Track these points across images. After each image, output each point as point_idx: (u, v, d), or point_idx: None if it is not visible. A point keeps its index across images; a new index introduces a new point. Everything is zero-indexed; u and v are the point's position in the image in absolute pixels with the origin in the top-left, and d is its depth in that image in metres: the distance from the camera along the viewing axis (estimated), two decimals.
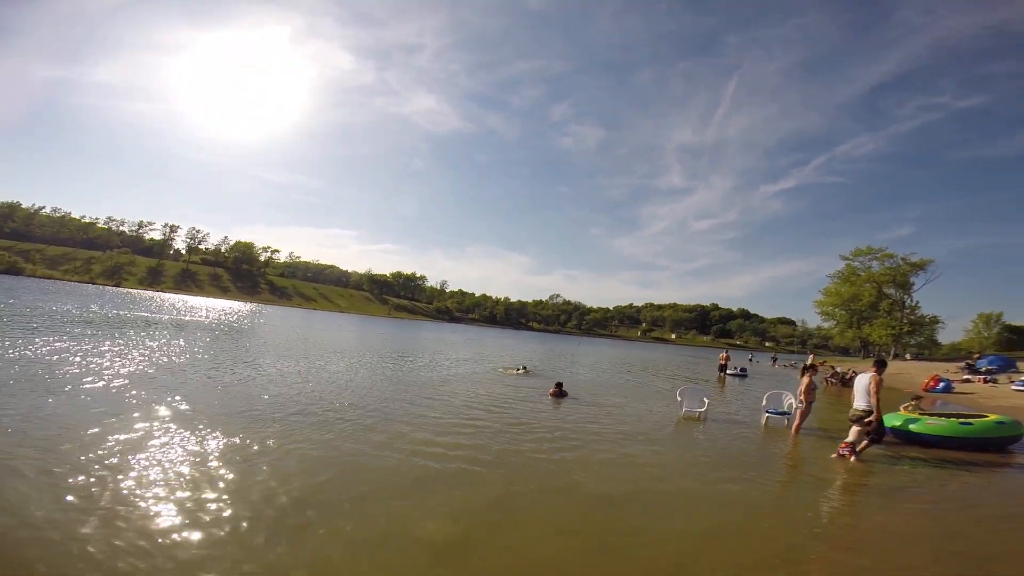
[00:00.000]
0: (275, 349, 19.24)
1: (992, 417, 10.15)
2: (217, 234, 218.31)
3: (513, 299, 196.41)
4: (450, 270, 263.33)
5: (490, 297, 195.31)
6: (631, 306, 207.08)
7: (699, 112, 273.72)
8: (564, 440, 8.04)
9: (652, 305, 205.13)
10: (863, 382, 8.31)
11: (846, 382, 25.32)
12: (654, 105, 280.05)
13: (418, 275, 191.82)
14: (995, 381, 23.21)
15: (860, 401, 8.21)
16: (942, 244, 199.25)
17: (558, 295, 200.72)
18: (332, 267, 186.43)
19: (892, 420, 9.63)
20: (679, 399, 11.68)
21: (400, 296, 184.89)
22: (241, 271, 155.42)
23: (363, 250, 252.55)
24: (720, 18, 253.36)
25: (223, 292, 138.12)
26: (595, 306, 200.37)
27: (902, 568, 4.22)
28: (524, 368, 19.36)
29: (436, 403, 10.48)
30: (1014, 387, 19.71)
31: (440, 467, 6.01)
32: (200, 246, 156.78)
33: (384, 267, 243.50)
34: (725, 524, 4.96)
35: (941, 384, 22.29)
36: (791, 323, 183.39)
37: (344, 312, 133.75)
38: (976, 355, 32.77)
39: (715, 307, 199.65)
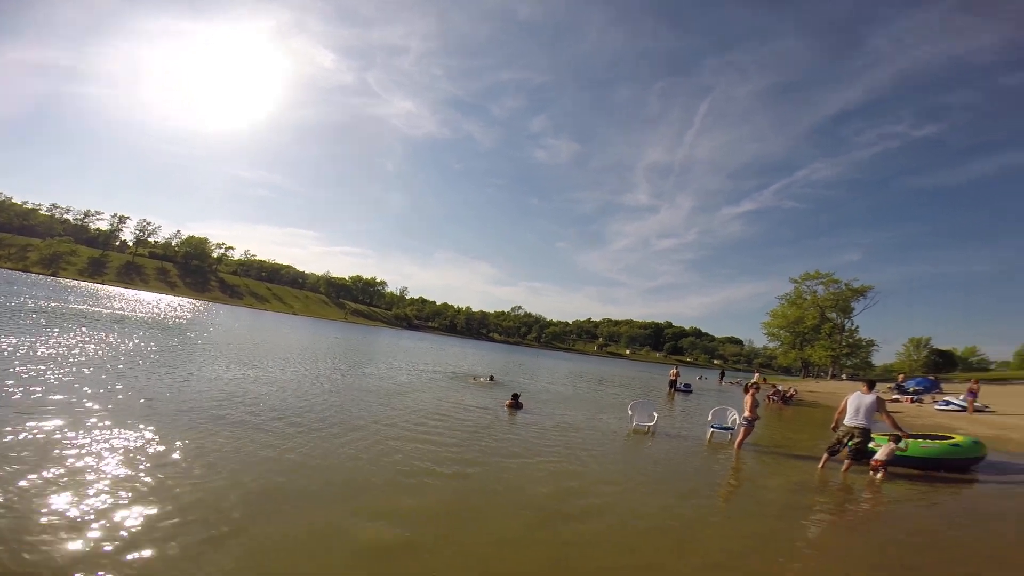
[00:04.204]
0: (219, 350, 18.44)
1: (958, 438, 10.17)
2: (171, 227, 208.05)
3: (475, 309, 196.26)
4: (414, 275, 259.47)
5: (451, 306, 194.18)
6: (589, 321, 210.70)
7: (671, 131, 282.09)
8: (516, 451, 8.09)
9: (609, 321, 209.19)
10: (864, 402, 8.60)
11: (786, 400, 26.58)
12: (629, 122, 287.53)
13: (378, 280, 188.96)
14: (921, 401, 24.79)
15: (859, 419, 8.54)
16: (885, 271, 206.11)
17: (520, 307, 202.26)
18: (288, 267, 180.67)
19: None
20: (630, 413, 11.97)
21: (358, 301, 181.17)
22: (191, 266, 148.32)
23: (323, 251, 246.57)
24: (702, 39, 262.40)
25: (170, 288, 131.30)
26: (555, 319, 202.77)
27: None
28: (491, 377, 19.45)
29: (390, 411, 10.33)
30: (936, 407, 21.10)
31: (390, 473, 5.94)
32: (149, 239, 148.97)
33: (344, 270, 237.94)
34: (666, 535, 5.13)
35: None
36: (739, 343, 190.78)
37: (296, 315, 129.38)
38: (901, 376, 34.92)
39: (669, 325, 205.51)
